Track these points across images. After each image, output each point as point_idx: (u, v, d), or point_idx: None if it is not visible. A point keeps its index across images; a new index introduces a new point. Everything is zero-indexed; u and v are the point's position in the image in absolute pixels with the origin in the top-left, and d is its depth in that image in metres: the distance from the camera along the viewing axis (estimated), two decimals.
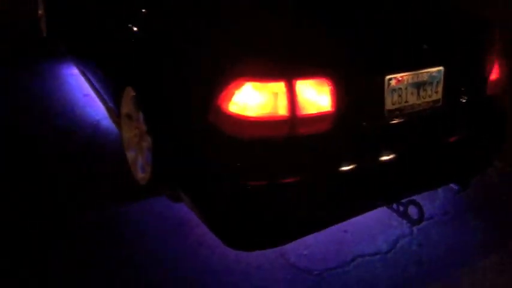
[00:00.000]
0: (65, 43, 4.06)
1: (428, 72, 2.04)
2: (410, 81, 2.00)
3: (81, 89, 3.83)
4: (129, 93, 2.50)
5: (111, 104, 2.89)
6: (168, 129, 2.13)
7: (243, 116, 1.71)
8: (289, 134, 1.74)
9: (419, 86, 2.03)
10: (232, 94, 1.69)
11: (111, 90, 2.79)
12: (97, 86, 3.25)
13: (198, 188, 1.96)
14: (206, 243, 2.23)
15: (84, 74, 3.66)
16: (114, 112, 2.84)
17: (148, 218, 2.40)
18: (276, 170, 1.78)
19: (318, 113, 1.76)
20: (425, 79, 2.04)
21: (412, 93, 2.02)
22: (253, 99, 1.69)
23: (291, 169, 1.80)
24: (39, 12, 4.76)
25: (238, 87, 1.68)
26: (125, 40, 2.49)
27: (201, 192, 1.95)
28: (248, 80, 1.67)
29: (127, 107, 2.59)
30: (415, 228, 2.44)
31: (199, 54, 1.90)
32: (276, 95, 1.68)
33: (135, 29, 2.41)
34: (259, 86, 1.68)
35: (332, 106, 1.77)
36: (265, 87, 1.68)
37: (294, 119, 1.72)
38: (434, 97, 2.09)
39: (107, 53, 2.78)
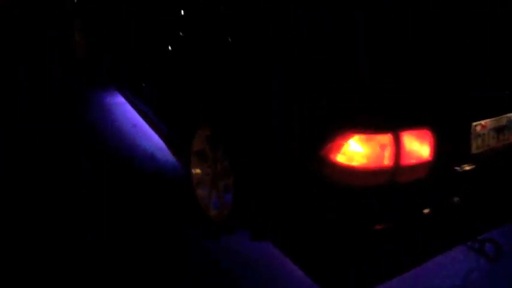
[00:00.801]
0: (110, 71, 4.13)
1: (508, 117, 2.14)
2: (491, 126, 2.10)
3: (128, 119, 3.90)
4: (204, 132, 2.58)
5: (177, 141, 2.96)
6: (256, 171, 2.20)
7: (350, 165, 1.79)
8: (390, 181, 1.83)
9: (499, 130, 2.13)
10: (340, 145, 1.78)
11: (179, 127, 2.86)
12: (154, 119, 3.32)
13: (295, 231, 2.03)
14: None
15: (135, 105, 3.72)
16: (180, 149, 2.91)
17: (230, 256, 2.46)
18: (377, 215, 1.87)
19: (418, 161, 1.84)
20: (504, 123, 2.15)
21: (493, 137, 2.12)
22: (360, 150, 1.78)
23: (390, 214, 1.89)
24: (76, 39, 4.84)
25: (346, 139, 1.77)
26: (202, 77, 2.54)
27: (298, 235, 2.02)
28: (357, 133, 1.76)
29: (200, 145, 2.67)
30: (489, 263, 2.50)
31: (299, 103, 1.97)
32: (382, 146, 1.77)
33: (219, 64, 2.42)
34: (367, 138, 1.77)
35: (430, 155, 1.86)
36: (373, 139, 1.77)
37: (397, 168, 1.80)
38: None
39: (176, 90, 2.85)
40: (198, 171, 2.74)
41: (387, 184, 1.83)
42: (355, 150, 1.78)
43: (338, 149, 1.79)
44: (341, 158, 1.79)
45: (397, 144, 1.77)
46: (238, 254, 2.43)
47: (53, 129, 3.71)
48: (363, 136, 1.77)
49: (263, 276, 2.28)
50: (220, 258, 2.41)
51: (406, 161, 1.81)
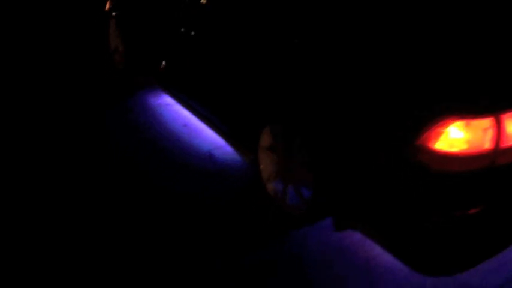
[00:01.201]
0: (155, 73, 4.14)
1: None
2: None
3: (178, 119, 3.93)
4: (275, 128, 2.60)
5: (241, 137, 2.98)
6: (340, 164, 2.22)
7: (450, 152, 1.80)
8: (489, 165, 1.84)
9: None
10: (439, 133, 1.79)
11: (244, 124, 2.88)
12: (212, 117, 3.33)
13: (389, 219, 2.06)
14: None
15: (186, 104, 3.72)
16: (246, 145, 2.93)
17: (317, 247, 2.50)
18: (474, 199, 1.89)
19: None
20: None
21: None
22: (461, 136, 1.79)
23: (486, 197, 1.91)
24: (112, 45, 4.85)
25: (446, 126, 1.78)
26: (273, 74, 2.54)
27: (393, 223, 2.05)
28: (457, 119, 1.77)
29: (269, 141, 2.69)
30: None
31: (389, 89, 1.98)
32: (484, 130, 1.78)
33: (296, 61, 2.41)
34: (468, 123, 1.78)
35: None
36: (475, 124, 1.78)
37: (497, 152, 1.81)
38: None
39: (240, 88, 2.86)
40: (267, 166, 2.76)
41: (486, 168, 1.85)
42: (456, 137, 1.80)
43: (437, 136, 1.80)
44: (441, 145, 1.80)
45: (498, 127, 1.78)
46: (327, 244, 2.48)
47: (105, 135, 3.75)
48: (463, 121, 1.78)
49: (356, 262, 2.37)
50: (313, 248, 2.46)
51: (505, 143, 1.82)
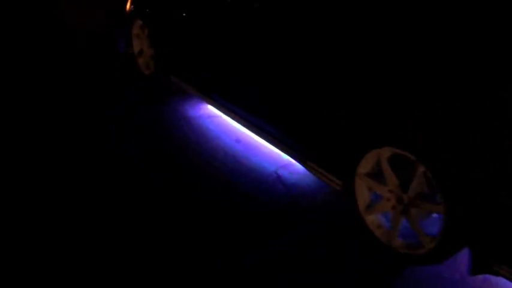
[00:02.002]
0: (194, 79, 3.69)
1: None
2: None
3: (228, 133, 3.49)
4: (385, 153, 2.20)
5: (328, 161, 2.57)
6: (482, 192, 1.84)
7: None
8: None
9: None
10: None
11: (334, 147, 2.47)
12: (280, 134, 2.91)
13: None
14: None
15: (238, 116, 3.29)
16: (335, 170, 2.53)
17: None
18: None
19: None
20: None
21: None
22: None
23: None
24: (136, 48, 4.37)
25: None
26: (388, 94, 2.16)
27: None
28: None
29: (371, 166, 2.29)
30: None
31: None
32: None
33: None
34: None
35: None
36: None
37: None
38: None
39: (329, 99, 2.46)
40: (366, 195, 2.37)
41: None
42: None
43: None
44: None
45: None
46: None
47: (147, 150, 3.32)
48: None
49: None
50: None
51: None
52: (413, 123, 2.03)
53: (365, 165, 2.31)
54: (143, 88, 4.31)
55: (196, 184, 2.93)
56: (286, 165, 3.08)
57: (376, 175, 2.31)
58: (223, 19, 3.24)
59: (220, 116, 3.72)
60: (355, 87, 2.31)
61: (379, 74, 2.20)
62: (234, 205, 2.74)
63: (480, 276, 2.07)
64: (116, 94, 4.29)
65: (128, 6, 4.42)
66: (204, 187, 2.90)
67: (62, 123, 3.75)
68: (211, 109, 3.83)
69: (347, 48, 2.37)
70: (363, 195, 2.38)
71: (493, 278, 2.04)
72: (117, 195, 2.84)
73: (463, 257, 2.10)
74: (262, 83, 2.94)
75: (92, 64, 4.93)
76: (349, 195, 2.46)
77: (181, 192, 2.85)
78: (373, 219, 2.37)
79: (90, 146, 3.41)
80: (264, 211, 2.70)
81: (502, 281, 2.00)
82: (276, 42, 2.78)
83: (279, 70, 2.78)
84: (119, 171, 3.08)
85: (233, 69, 3.22)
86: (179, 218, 2.64)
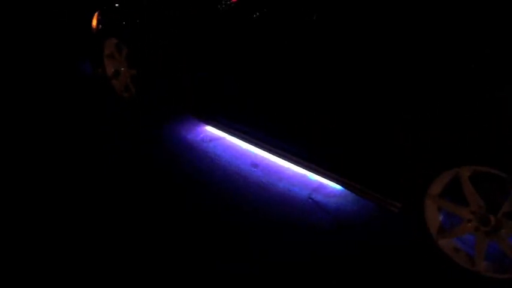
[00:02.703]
0: (189, 99, 3.33)
1: None
2: None
3: (240, 158, 3.15)
4: (464, 172, 2.01)
5: (383, 182, 2.35)
6: None
7: None
8: None
9: None
10: None
11: (391, 167, 2.26)
12: (310, 155, 2.65)
13: None
14: None
15: (254, 138, 2.97)
16: (389, 192, 2.32)
17: None
18: None
19: None
20: None
21: None
22: None
23: None
24: (110, 69, 3.90)
25: None
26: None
27: None
28: None
29: (442, 187, 2.10)
30: None
31: None
32: None
33: None
34: None
35: None
36: None
37: None
38: None
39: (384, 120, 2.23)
40: (437, 218, 2.18)
41: None
42: None
43: None
44: None
45: None
46: None
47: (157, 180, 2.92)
48: None
49: None
50: None
51: None
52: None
53: (438, 186, 2.11)
54: (122, 113, 3.84)
55: (227, 222, 2.59)
56: (318, 188, 2.83)
57: (448, 195, 2.13)
58: (229, 30, 2.93)
59: (224, 138, 3.39)
60: (429, 98, 2.10)
61: (459, 84, 2.01)
62: (276, 238, 2.45)
63: None
64: (94, 122, 3.79)
65: (94, 23, 3.93)
66: (236, 223, 2.57)
67: (52, 164, 3.22)
68: (210, 130, 3.48)
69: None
70: (434, 218, 2.18)
71: None
72: (134, 247, 2.44)
73: None
74: (288, 96, 2.66)
75: (55, 88, 4.35)
76: (412, 218, 2.27)
77: (213, 234, 2.50)
78: (447, 242, 2.18)
79: (86, 186, 2.94)
80: (311, 241, 2.43)
81: None
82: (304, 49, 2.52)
83: (311, 78, 2.51)
84: (129, 221, 2.65)
85: (246, 82, 2.91)
86: (220, 265, 2.31)
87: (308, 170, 2.77)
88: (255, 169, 3.06)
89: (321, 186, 2.83)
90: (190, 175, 3.02)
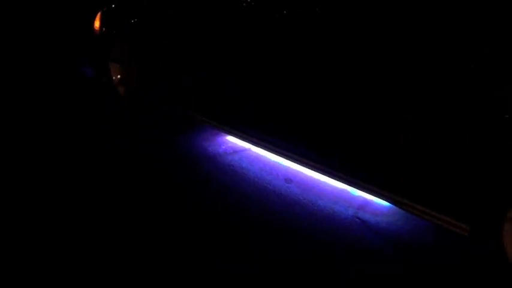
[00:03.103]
0: (209, 107, 3.03)
1: None
2: None
3: (271, 172, 2.87)
4: None
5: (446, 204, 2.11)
6: None
7: None
8: None
9: None
10: None
11: (459, 188, 2.02)
12: (356, 170, 2.40)
13: None
14: None
15: (288, 150, 2.70)
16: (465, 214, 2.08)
17: None
18: None
19: None
20: None
21: None
22: None
23: None
24: (116, 76, 3.56)
25: None
26: None
27: None
28: None
29: None
30: None
31: None
32: None
33: None
34: None
35: None
36: None
37: None
38: None
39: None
40: None
41: None
42: None
43: None
44: None
45: None
46: None
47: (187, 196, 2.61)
48: None
49: None
50: None
51: None
52: None
53: None
54: (131, 123, 3.52)
55: (275, 253, 2.31)
56: (363, 206, 2.58)
57: None
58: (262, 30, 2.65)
59: (250, 149, 3.11)
60: None
61: None
62: (329, 264, 2.19)
63: None
64: (101, 130, 3.45)
65: (96, 24, 3.59)
66: (282, 245, 2.31)
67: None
68: (233, 140, 3.20)
69: None
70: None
71: None
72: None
73: None
74: (329, 102, 2.40)
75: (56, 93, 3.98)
76: (485, 241, 2.05)
77: (255, 257, 2.23)
78: None
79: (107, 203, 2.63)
80: (366, 267, 2.19)
81: None
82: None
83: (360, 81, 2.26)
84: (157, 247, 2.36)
85: (277, 89, 2.63)
86: None
87: (352, 186, 2.53)
88: (289, 184, 2.79)
89: (366, 203, 2.59)
90: (218, 192, 2.73)
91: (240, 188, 2.78)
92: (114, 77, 3.62)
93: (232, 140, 3.20)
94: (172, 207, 2.59)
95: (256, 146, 2.93)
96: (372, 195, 2.45)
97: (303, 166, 2.70)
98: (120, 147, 3.18)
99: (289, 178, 2.83)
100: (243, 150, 3.12)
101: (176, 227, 2.43)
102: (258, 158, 3.02)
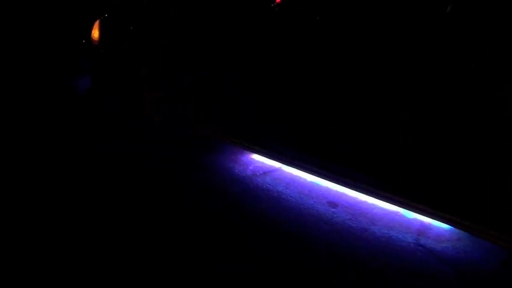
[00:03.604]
0: (235, 125, 2.73)
1: None
2: None
3: (310, 195, 2.61)
4: None
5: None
6: None
7: None
8: None
9: None
10: None
11: None
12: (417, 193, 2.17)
13: None
14: None
15: (330, 172, 2.45)
16: None
17: None
18: None
19: None
20: None
21: None
22: None
23: None
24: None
25: None
26: None
27: None
28: None
29: None
30: None
31: None
32: None
33: None
34: None
35: None
36: None
37: None
38: None
39: None
40: None
41: None
42: None
43: None
44: None
45: None
46: None
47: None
48: None
49: None
50: None
51: None
52: None
53: None
54: (140, 144, 3.17)
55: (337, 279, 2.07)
56: (422, 230, 2.37)
57: None
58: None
59: (280, 169, 2.84)
60: None
61: None
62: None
63: None
64: (110, 153, 3.10)
65: (95, 35, 3.20)
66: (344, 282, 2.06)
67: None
68: (260, 160, 2.91)
69: None
70: None
71: None
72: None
73: None
74: (377, 117, 2.16)
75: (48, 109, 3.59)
76: None
77: None
78: None
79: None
80: None
81: None
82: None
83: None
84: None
85: (314, 104, 2.37)
86: None
87: (407, 209, 2.31)
88: (335, 209, 2.54)
89: (424, 226, 2.38)
90: (254, 221, 2.43)
91: (281, 217, 2.48)
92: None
93: (258, 158, 2.91)
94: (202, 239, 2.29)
95: (290, 166, 2.66)
96: (431, 218, 2.23)
97: (351, 189, 2.46)
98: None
99: (333, 202, 2.58)
100: (274, 170, 2.84)
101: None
102: (293, 179, 2.75)
